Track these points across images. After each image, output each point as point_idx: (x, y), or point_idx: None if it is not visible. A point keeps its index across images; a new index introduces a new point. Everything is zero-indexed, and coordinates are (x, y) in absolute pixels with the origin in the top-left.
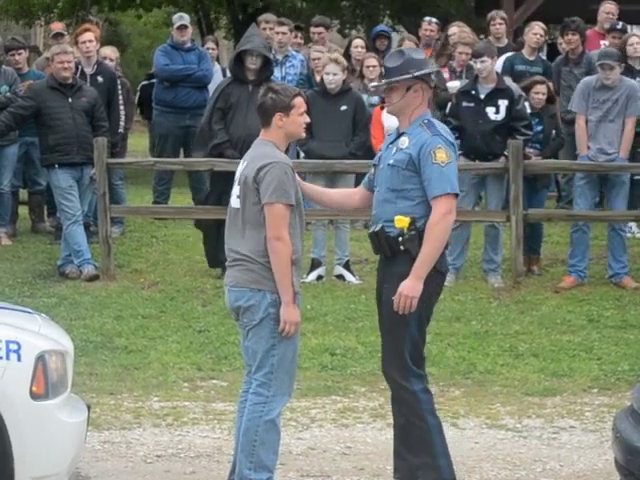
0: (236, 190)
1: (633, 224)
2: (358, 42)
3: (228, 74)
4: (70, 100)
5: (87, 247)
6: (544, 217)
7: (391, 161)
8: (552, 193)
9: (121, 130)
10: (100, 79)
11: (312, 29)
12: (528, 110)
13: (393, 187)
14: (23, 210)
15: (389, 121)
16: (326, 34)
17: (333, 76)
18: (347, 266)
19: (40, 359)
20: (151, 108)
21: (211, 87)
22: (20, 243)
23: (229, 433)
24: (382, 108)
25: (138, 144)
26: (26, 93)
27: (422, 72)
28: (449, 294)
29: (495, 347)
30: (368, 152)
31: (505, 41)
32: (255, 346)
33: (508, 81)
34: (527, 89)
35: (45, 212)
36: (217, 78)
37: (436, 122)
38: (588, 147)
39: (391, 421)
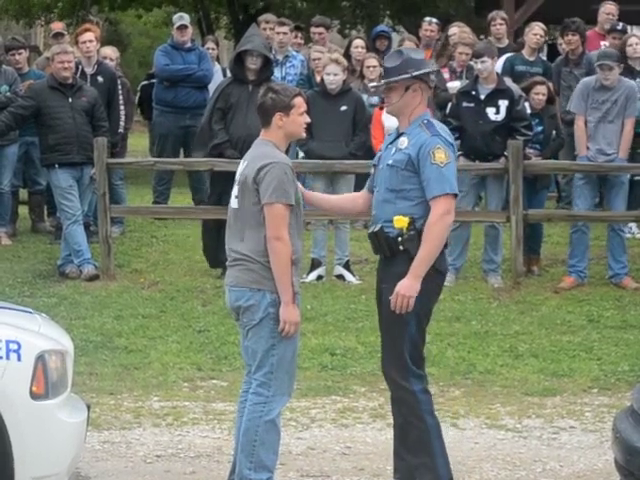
0: (236, 190)
1: (633, 224)
2: (358, 42)
3: (228, 74)
4: (70, 100)
5: (87, 247)
6: (544, 217)
7: (390, 161)
8: (552, 194)
9: (121, 130)
10: (100, 79)
11: (312, 29)
12: (528, 111)
13: (392, 187)
14: (23, 210)
15: (389, 121)
16: (326, 34)
17: (334, 76)
18: (347, 266)
19: (40, 359)
20: (151, 108)
21: (211, 87)
22: (20, 243)
23: (229, 433)
24: (381, 109)
25: (138, 144)
26: (26, 93)
27: (420, 72)
28: (449, 294)
29: (495, 347)
30: (368, 152)
31: (506, 41)
32: (255, 346)
33: (508, 81)
34: (527, 90)
35: (45, 212)
36: (217, 78)
37: (435, 122)
38: (587, 148)
39: (391, 421)
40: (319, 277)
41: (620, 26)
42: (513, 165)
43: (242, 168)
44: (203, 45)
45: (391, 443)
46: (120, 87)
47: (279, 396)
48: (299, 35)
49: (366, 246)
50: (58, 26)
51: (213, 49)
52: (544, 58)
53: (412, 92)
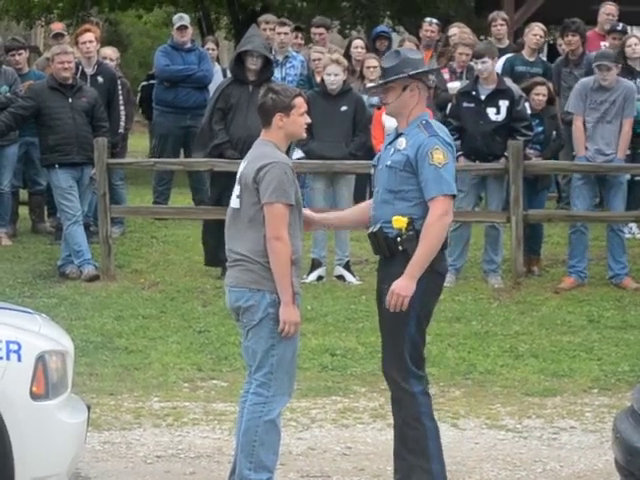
0: (236, 190)
1: (634, 225)
2: (358, 43)
3: (228, 74)
4: (70, 100)
5: (87, 247)
6: (544, 218)
7: (389, 162)
8: (552, 194)
9: (121, 130)
10: (100, 79)
11: (313, 30)
12: (528, 111)
13: (391, 188)
14: (23, 210)
15: (389, 122)
16: (327, 35)
17: (334, 77)
18: (347, 266)
19: (40, 359)
20: (151, 108)
21: (211, 87)
22: (20, 243)
23: (229, 434)
24: (379, 109)
25: (138, 144)
26: (26, 93)
27: (417, 71)
28: (449, 295)
29: (495, 348)
30: (368, 153)
31: (506, 42)
32: (255, 346)
33: (508, 82)
34: (527, 90)
35: (45, 212)
36: (217, 78)
37: (434, 123)
38: (586, 148)
39: (391, 421)
40: (319, 277)
41: (620, 27)
42: (513, 165)
43: (242, 168)
44: (203, 45)
45: (391, 443)
46: (120, 87)
47: (279, 396)
48: (299, 35)
49: (366, 246)
50: (58, 27)
51: (213, 49)
52: (544, 58)
53: (410, 92)
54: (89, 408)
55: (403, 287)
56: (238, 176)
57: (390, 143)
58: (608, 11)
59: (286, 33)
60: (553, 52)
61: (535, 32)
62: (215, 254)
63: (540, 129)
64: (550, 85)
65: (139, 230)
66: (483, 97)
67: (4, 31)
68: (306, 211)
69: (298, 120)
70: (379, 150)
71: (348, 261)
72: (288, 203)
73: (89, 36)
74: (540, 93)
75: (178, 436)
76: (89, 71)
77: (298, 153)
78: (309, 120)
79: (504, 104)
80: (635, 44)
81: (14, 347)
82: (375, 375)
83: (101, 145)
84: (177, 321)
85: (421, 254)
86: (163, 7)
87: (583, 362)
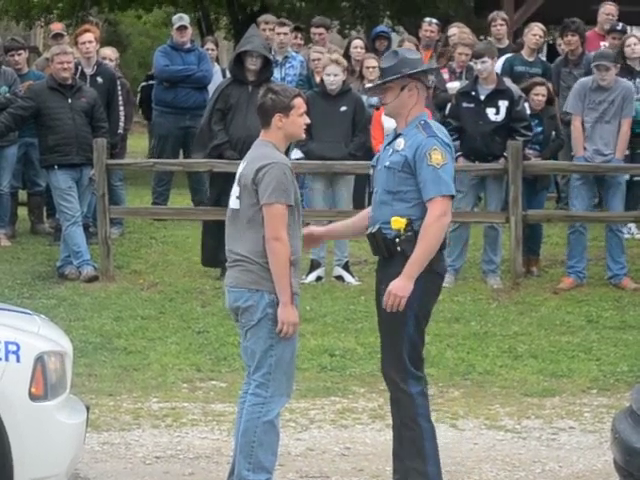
0: (235, 191)
1: (632, 225)
2: (357, 43)
3: (228, 75)
4: (70, 101)
5: (86, 248)
6: (543, 218)
7: (387, 163)
8: (552, 194)
9: (120, 131)
10: (100, 80)
11: (313, 29)
12: (528, 111)
13: (389, 189)
14: (22, 211)
15: (389, 122)
16: (326, 35)
17: (334, 77)
18: (346, 267)
19: (39, 360)
20: (151, 109)
21: (211, 88)
22: (19, 244)
23: (228, 434)
24: (378, 109)
25: (138, 145)
26: (26, 94)
27: (414, 70)
28: (448, 295)
29: (494, 348)
30: (368, 153)
31: (506, 42)
32: (253, 346)
33: (508, 82)
34: (527, 90)
35: (44, 213)
36: (217, 79)
37: (432, 123)
38: (584, 148)
39: (390, 422)
40: (318, 278)
41: (620, 26)
42: (512, 166)
43: (242, 169)
44: (203, 46)
45: (390, 444)
46: (120, 88)
47: (278, 397)
48: (299, 36)
49: (365, 247)
50: (58, 27)
51: (213, 50)
52: (543, 59)
53: (408, 92)
54: (88, 409)
55: (400, 287)
56: (237, 177)
57: (389, 144)
58: (608, 11)
59: (285, 33)
60: (552, 52)
61: (534, 32)
62: (215, 254)
63: (539, 129)
64: (549, 85)
65: (138, 231)
66: (482, 97)
67: (4, 31)
68: (310, 228)
69: (297, 120)
70: (378, 150)
71: (347, 262)
72: (287, 204)
73: (88, 36)
74: (539, 93)
75: (177, 437)
76: (88, 71)
77: (297, 154)
78: (308, 120)
79: (503, 104)
80: (634, 44)
81: (13, 348)
82: (374, 376)
83: (100, 146)
84: (176, 322)
85: (419, 254)
86: (163, 7)
87: (582, 362)
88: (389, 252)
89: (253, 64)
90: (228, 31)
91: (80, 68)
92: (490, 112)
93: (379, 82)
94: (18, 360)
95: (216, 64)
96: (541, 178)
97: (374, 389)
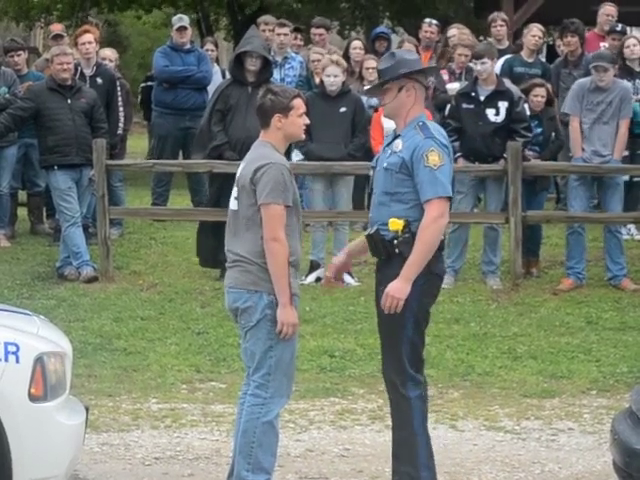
0: (235, 192)
1: (632, 226)
2: (356, 43)
3: (227, 76)
4: (69, 101)
5: (86, 249)
6: (543, 219)
7: (385, 164)
8: (551, 195)
9: (120, 132)
10: (99, 80)
11: (313, 30)
12: (527, 112)
13: (387, 190)
14: (22, 212)
15: (388, 123)
16: (326, 35)
17: (334, 78)
18: None
19: (39, 361)
20: (150, 110)
21: (210, 89)
22: (19, 245)
23: (227, 435)
24: (376, 110)
25: (137, 146)
26: (25, 94)
27: (410, 70)
28: (448, 296)
29: (494, 349)
30: (367, 154)
31: (506, 43)
32: (253, 347)
33: (508, 83)
34: (526, 91)
35: (44, 214)
36: (216, 79)
37: (430, 124)
38: (583, 149)
39: (389, 423)
40: (318, 279)
41: (619, 27)
42: (512, 167)
43: (241, 169)
44: (202, 46)
45: (390, 445)
46: (119, 89)
47: (277, 398)
48: (298, 37)
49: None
50: (57, 28)
51: (212, 50)
52: (543, 59)
53: (406, 92)
54: (87, 410)
55: (398, 289)
56: (236, 178)
57: (388, 145)
58: (607, 12)
59: (286, 34)
60: (552, 53)
61: (534, 33)
62: (214, 255)
63: (539, 130)
64: (549, 86)
65: (138, 231)
66: (482, 98)
67: (3, 32)
68: (332, 264)
69: (297, 121)
70: (378, 151)
71: None
72: (285, 204)
73: (88, 37)
74: (539, 94)
75: (176, 438)
76: (88, 72)
77: (299, 155)
78: (308, 121)
79: (503, 105)
80: (634, 45)
81: (12, 349)
82: (373, 377)
83: (100, 146)
84: (176, 322)
85: (416, 256)
86: (162, 8)
87: (581, 363)
88: (387, 254)
89: (253, 65)
90: (228, 32)
91: (80, 69)
92: (490, 113)
93: (376, 83)
94: (17, 361)
95: (216, 65)
96: (541, 179)
97: (373, 390)
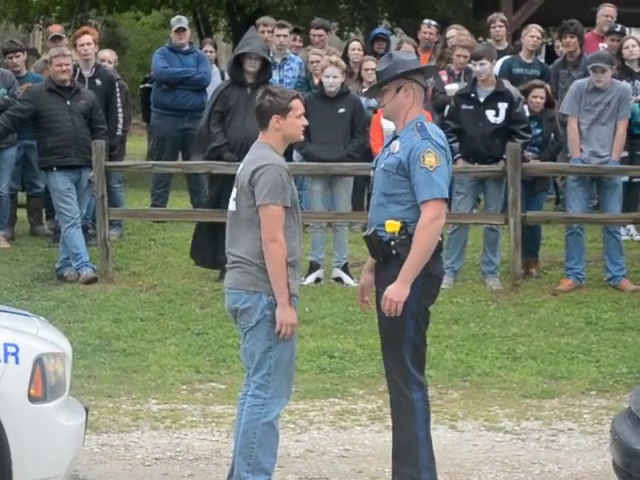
0: (234, 193)
1: (631, 226)
2: (355, 44)
3: (227, 77)
4: (68, 103)
5: (85, 250)
6: (542, 220)
7: (383, 165)
8: (551, 196)
9: (119, 133)
10: (98, 82)
11: (312, 31)
12: (527, 113)
13: (385, 191)
14: (21, 213)
15: (388, 124)
16: (326, 36)
17: (333, 79)
18: (345, 269)
19: (38, 362)
20: (149, 111)
21: (209, 90)
22: (18, 246)
23: (227, 436)
24: (375, 112)
25: (136, 147)
26: (24, 96)
27: (407, 69)
28: (447, 297)
29: (493, 349)
30: (366, 155)
31: (505, 44)
32: (252, 348)
33: (507, 84)
34: (526, 92)
35: (43, 215)
36: (215, 81)
37: (428, 125)
38: (581, 150)
39: (389, 423)
40: (317, 280)
41: (618, 28)
42: (511, 167)
43: (239, 170)
44: (201, 48)
45: (389, 445)
46: (118, 90)
47: (277, 398)
48: (297, 38)
49: (364, 249)
50: (56, 29)
51: (211, 52)
52: (542, 60)
53: (404, 92)
54: (87, 410)
55: (396, 292)
56: (235, 179)
57: (387, 146)
58: (607, 13)
59: (285, 35)
60: (551, 54)
61: (532, 34)
62: (214, 255)
63: (538, 131)
64: (548, 87)
65: (137, 233)
66: (482, 99)
67: (2, 33)
68: (363, 279)
69: (295, 122)
70: (377, 153)
71: (346, 263)
72: (283, 205)
73: (87, 38)
74: (538, 95)
75: (176, 438)
76: (87, 74)
77: (299, 156)
78: (306, 122)
79: (503, 106)
80: (632, 46)
81: (12, 350)
82: (373, 377)
83: (99, 148)
84: (175, 323)
85: (413, 258)
86: (161, 9)
87: (581, 364)
88: (384, 255)
89: (252, 66)
90: (227, 33)
91: (78, 70)
92: (489, 114)
93: (375, 84)
94: (17, 362)
95: (215, 66)
96: (540, 180)
97: (373, 391)
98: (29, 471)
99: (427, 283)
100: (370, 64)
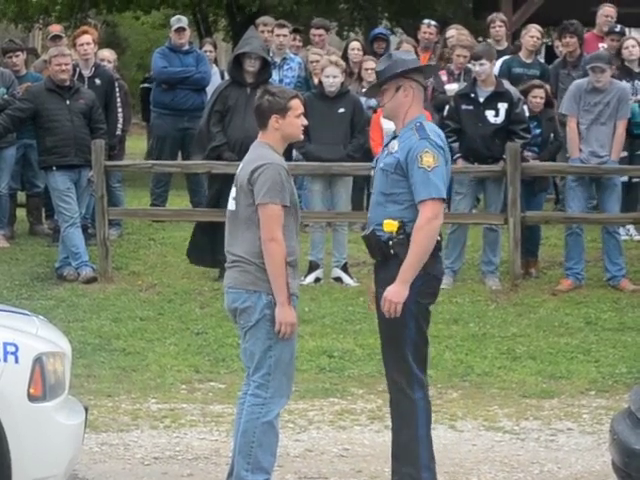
0: (234, 192)
1: (631, 226)
2: (355, 44)
3: (226, 76)
4: (68, 102)
5: (85, 249)
6: (542, 220)
7: (381, 165)
8: (550, 196)
9: (119, 132)
10: (98, 81)
11: (312, 31)
12: (526, 113)
13: (384, 191)
14: (21, 212)
15: (388, 124)
16: (326, 36)
17: (333, 79)
18: (345, 268)
19: (38, 361)
20: (149, 110)
21: (209, 89)
22: (18, 245)
23: (227, 435)
24: (375, 111)
25: (136, 147)
26: (24, 95)
27: (405, 68)
28: (447, 297)
29: (493, 349)
30: (366, 155)
31: (505, 44)
32: (252, 347)
33: (507, 84)
34: (525, 92)
35: (43, 214)
36: (215, 80)
37: (428, 125)
38: (580, 150)
39: (389, 423)
40: (317, 279)
41: (618, 28)
42: (511, 168)
43: (239, 170)
44: (201, 47)
45: (389, 445)
46: (118, 90)
47: (277, 398)
48: (297, 37)
49: (364, 248)
50: (56, 28)
51: (211, 51)
52: (541, 60)
53: (403, 91)
54: (86, 410)
55: (395, 293)
56: (235, 178)
57: (386, 145)
58: (606, 13)
59: (285, 35)
60: (551, 54)
61: (532, 34)
62: (213, 253)
63: (538, 131)
64: (548, 87)
65: (137, 232)
66: (482, 99)
67: (2, 33)
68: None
69: (294, 122)
70: (377, 152)
71: (345, 263)
72: (282, 204)
73: (87, 38)
74: (538, 95)
75: (176, 438)
76: (87, 73)
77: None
78: (306, 122)
79: (503, 107)
80: (632, 46)
81: (11, 349)
82: (373, 377)
83: (99, 147)
84: (175, 323)
85: (411, 258)
86: (161, 9)
87: (580, 364)
88: (383, 255)
89: (251, 66)
90: (226, 33)
91: (78, 70)
92: (489, 114)
93: (374, 83)
94: (17, 361)
95: (214, 66)
96: (539, 180)
97: (373, 390)
98: (28, 470)
99: (426, 283)
100: (370, 64)
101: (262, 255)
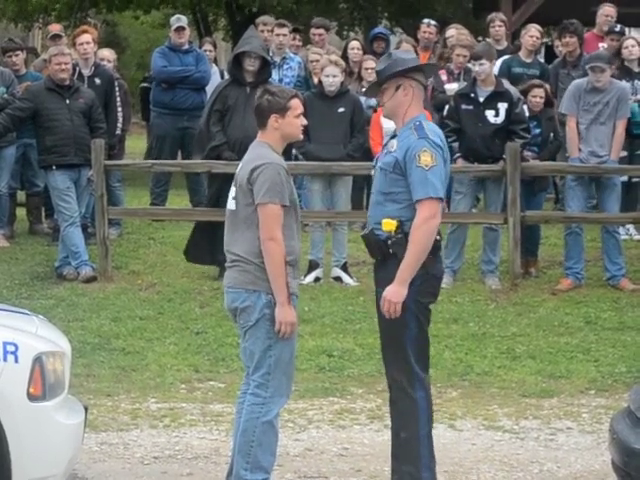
0: (232, 192)
1: (630, 226)
2: (354, 44)
3: (226, 76)
4: (68, 102)
5: (84, 249)
6: (541, 219)
7: (380, 164)
8: (550, 195)
9: (119, 132)
10: (98, 81)
11: (312, 30)
12: (526, 113)
13: (382, 190)
14: (21, 212)
15: (388, 123)
16: (326, 36)
17: (332, 78)
18: (345, 268)
19: (37, 360)
20: (149, 110)
21: (209, 89)
22: (18, 245)
23: (226, 434)
24: (375, 111)
25: (136, 146)
26: (23, 95)
27: (405, 67)
28: (447, 296)
29: (492, 349)
30: (365, 154)
31: (505, 43)
32: (252, 347)
33: (506, 84)
34: (525, 92)
35: (43, 214)
36: (215, 80)
37: (427, 125)
38: (580, 149)
39: (388, 422)
40: (317, 279)
41: (618, 28)
42: (510, 167)
43: (238, 170)
44: (201, 47)
45: (388, 444)
46: (117, 89)
47: (277, 397)
48: (297, 37)
49: (364, 248)
50: (56, 28)
51: (211, 51)
52: (541, 60)
53: (403, 91)
54: (86, 409)
55: (394, 293)
56: (234, 178)
57: (386, 145)
58: (606, 12)
59: (284, 34)
60: (550, 54)
61: (532, 33)
62: (212, 252)
63: (538, 131)
64: (547, 87)
65: (136, 231)
66: (482, 99)
67: (2, 32)
68: None
69: (294, 121)
70: (377, 152)
71: (345, 262)
72: (281, 204)
73: (86, 37)
74: (537, 95)
75: (175, 437)
76: (86, 72)
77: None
78: (305, 122)
79: (503, 107)
80: (632, 46)
81: (11, 348)
82: (372, 376)
83: (98, 146)
84: (174, 322)
85: (410, 258)
86: (161, 8)
87: (580, 363)
88: (382, 254)
89: (251, 65)
90: (226, 32)
91: (78, 69)
92: (489, 114)
93: (374, 82)
94: (16, 360)
95: (214, 65)
96: (539, 179)
97: (372, 390)
98: (28, 469)
99: (425, 282)
100: (370, 63)
101: (262, 255)
